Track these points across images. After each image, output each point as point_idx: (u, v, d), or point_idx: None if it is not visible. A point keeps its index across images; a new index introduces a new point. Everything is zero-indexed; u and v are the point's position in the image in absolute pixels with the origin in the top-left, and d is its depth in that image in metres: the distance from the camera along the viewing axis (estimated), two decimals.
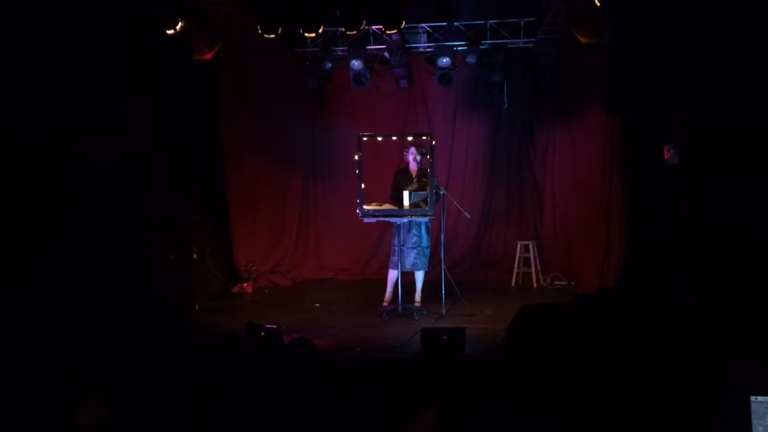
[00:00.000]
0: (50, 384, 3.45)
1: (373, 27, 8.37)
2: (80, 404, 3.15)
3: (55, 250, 5.55)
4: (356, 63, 8.47)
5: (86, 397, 3.19)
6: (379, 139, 7.79)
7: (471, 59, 8.48)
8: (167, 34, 6.77)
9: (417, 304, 7.21)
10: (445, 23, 8.59)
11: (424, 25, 8.71)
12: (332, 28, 8.23)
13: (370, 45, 8.70)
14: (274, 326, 5.44)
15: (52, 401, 3.21)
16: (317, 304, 7.75)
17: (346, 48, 8.75)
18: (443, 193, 7.15)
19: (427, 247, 7.21)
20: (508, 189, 9.43)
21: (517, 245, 8.69)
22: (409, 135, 8.04)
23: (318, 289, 8.67)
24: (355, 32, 7.62)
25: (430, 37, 8.81)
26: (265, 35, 7.13)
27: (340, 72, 8.92)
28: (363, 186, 6.96)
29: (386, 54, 8.81)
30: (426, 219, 7.06)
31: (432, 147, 6.96)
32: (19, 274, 5.14)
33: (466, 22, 8.54)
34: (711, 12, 4.95)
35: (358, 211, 6.98)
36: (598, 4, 6.08)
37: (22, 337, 4.46)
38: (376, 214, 7.07)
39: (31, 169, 5.40)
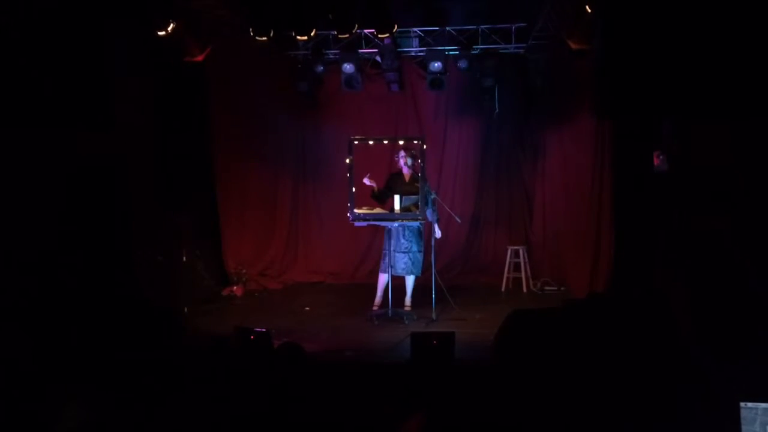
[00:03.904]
0: (33, 387, 3.42)
1: (365, 31, 8.37)
2: (64, 407, 3.12)
3: (41, 250, 5.50)
4: (348, 66, 8.47)
5: (70, 401, 3.16)
6: (370, 142, 7.79)
7: (462, 64, 8.50)
8: (158, 35, 6.75)
9: (407, 309, 7.20)
10: (437, 28, 8.61)
11: (416, 29, 8.71)
12: (324, 32, 8.22)
13: (361, 49, 8.70)
14: (264, 330, 5.41)
15: (36, 404, 3.18)
16: (307, 308, 7.72)
17: (337, 51, 8.74)
18: (434, 197, 7.15)
19: (418, 252, 7.20)
20: (498, 194, 9.45)
21: (507, 250, 8.70)
22: (400, 139, 8.04)
23: (308, 293, 8.64)
24: (347, 36, 7.62)
25: (422, 42, 8.82)
26: (257, 38, 7.12)
27: (332, 75, 8.91)
28: (354, 190, 6.95)
29: (378, 58, 8.82)
30: (417, 223, 7.06)
31: (423, 151, 6.96)
32: (3, 275, 5.10)
33: (457, 27, 8.55)
34: (700, 21, 4.98)
35: (348, 214, 6.97)
36: (589, 10, 6.11)
37: (5, 339, 4.42)
38: (367, 217, 7.06)
39: (18, 168, 5.35)
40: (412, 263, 7.15)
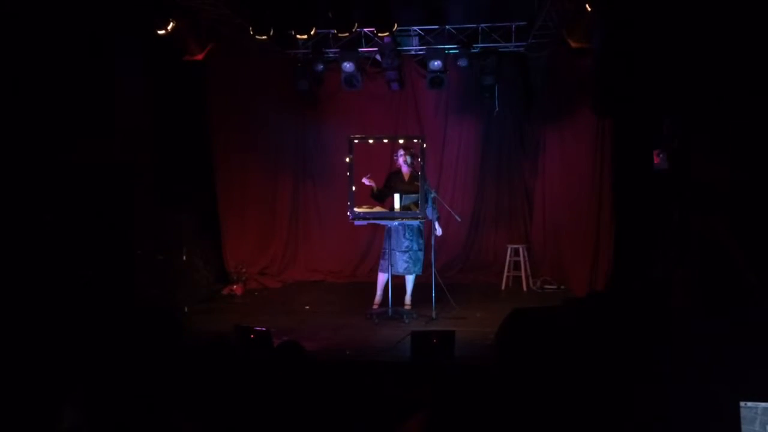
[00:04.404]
0: (32, 386, 3.42)
1: (365, 29, 8.37)
2: (63, 407, 3.12)
3: (41, 250, 5.50)
4: (348, 65, 8.47)
5: (70, 400, 3.16)
6: (370, 141, 7.79)
7: (462, 62, 8.50)
8: (158, 34, 6.75)
9: (407, 307, 7.19)
10: (436, 26, 8.61)
11: (415, 27, 8.71)
12: (324, 30, 8.22)
13: (361, 47, 8.70)
14: (264, 329, 5.41)
15: (34, 404, 3.18)
16: (307, 307, 7.72)
17: (337, 50, 8.74)
18: (434, 196, 7.14)
19: (419, 251, 7.19)
20: (498, 192, 9.45)
21: (507, 249, 8.70)
22: (400, 138, 8.03)
23: (308, 292, 8.64)
24: (346, 34, 7.63)
25: (422, 40, 8.82)
26: (257, 37, 7.12)
27: (332, 74, 8.91)
28: (354, 188, 6.94)
29: (378, 56, 8.82)
30: (418, 222, 7.06)
31: (423, 150, 6.96)
32: (6, 274, 5.10)
33: (457, 26, 8.55)
34: (700, 19, 4.98)
35: (348, 213, 6.96)
36: (589, 9, 6.11)
37: (4, 339, 4.42)
38: (367, 216, 7.05)
39: (20, 169, 5.36)
40: (413, 262, 7.14)
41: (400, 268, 7.11)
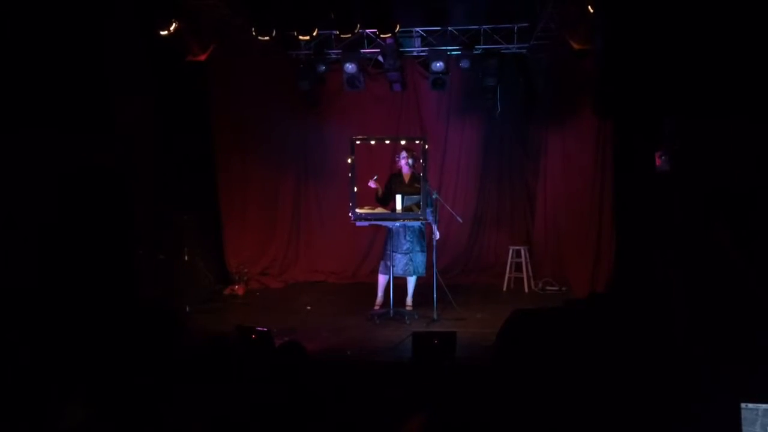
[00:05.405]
0: (33, 385, 3.42)
1: (367, 30, 8.38)
2: (65, 407, 3.13)
3: (42, 249, 5.51)
4: (350, 66, 8.47)
5: (72, 399, 3.17)
6: (372, 142, 7.79)
7: (464, 64, 8.51)
8: (160, 34, 6.76)
9: (408, 308, 7.20)
10: (439, 28, 8.61)
11: (418, 29, 8.72)
12: (326, 31, 8.23)
13: (364, 48, 8.71)
14: (265, 329, 5.42)
15: (35, 403, 3.19)
16: (308, 307, 7.72)
17: (339, 51, 8.75)
18: (435, 197, 7.15)
19: (420, 252, 7.17)
20: (500, 193, 9.45)
21: (509, 250, 8.70)
22: (402, 139, 8.04)
23: (309, 292, 8.64)
24: (349, 35, 7.63)
25: (424, 42, 8.83)
26: (259, 37, 7.13)
27: (334, 75, 8.92)
28: (355, 189, 6.95)
29: (380, 58, 8.82)
30: (419, 224, 7.06)
31: (424, 151, 6.96)
32: (4, 274, 5.11)
33: (459, 27, 8.56)
34: (701, 19, 4.98)
35: (350, 214, 6.97)
36: (591, 10, 6.11)
37: (4, 338, 4.43)
38: (368, 217, 7.06)
39: (20, 169, 5.36)
40: (413, 264, 7.13)
41: (399, 270, 7.11)
